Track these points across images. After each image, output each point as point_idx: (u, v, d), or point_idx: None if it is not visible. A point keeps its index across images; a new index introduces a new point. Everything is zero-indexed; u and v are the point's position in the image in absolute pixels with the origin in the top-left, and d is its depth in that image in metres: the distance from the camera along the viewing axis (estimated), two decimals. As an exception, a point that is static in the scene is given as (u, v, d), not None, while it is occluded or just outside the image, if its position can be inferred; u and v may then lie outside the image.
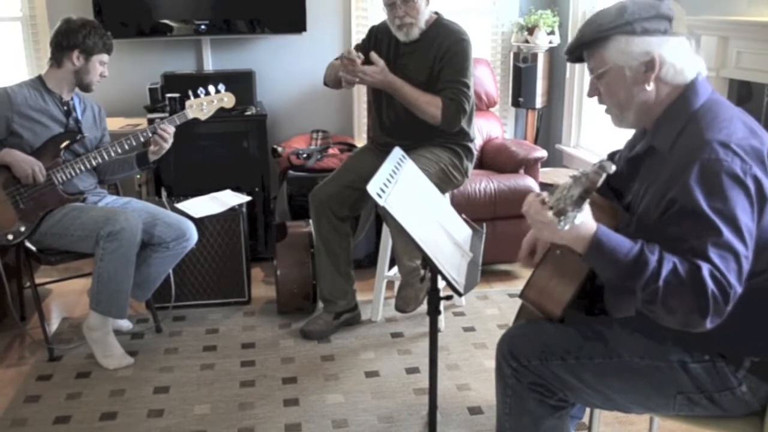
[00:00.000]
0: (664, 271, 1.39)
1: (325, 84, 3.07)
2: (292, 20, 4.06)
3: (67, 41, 2.79)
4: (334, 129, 4.40)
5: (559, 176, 4.13)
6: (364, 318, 3.20)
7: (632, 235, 1.49)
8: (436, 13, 2.98)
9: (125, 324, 3.13)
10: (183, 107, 2.98)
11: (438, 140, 2.95)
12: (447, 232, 2.02)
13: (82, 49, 2.80)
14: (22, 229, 2.76)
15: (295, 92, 4.35)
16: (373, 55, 2.81)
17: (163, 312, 3.22)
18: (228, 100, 3.02)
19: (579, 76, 4.41)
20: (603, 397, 1.67)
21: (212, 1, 4.01)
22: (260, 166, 3.88)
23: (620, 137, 1.90)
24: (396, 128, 3.00)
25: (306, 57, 4.25)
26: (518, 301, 1.82)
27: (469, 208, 3.34)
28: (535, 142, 4.50)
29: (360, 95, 4.36)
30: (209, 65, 4.20)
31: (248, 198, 3.44)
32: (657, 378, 1.60)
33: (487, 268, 3.70)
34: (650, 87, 1.57)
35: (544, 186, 3.85)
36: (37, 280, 2.99)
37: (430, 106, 2.83)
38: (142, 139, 2.88)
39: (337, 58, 2.99)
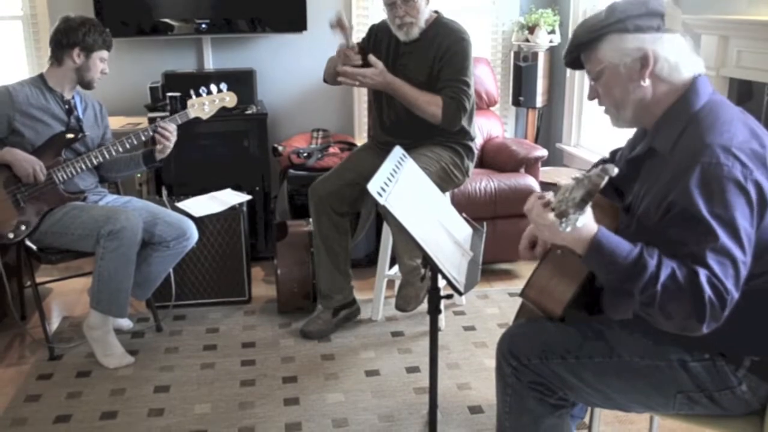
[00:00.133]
0: (663, 276, 1.40)
1: (325, 81, 3.06)
2: (293, 19, 4.06)
3: (67, 39, 2.79)
4: (334, 128, 4.40)
5: (560, 175, 4.13)
6: (364, 317, 3.20)
7: (632, 236, 1.49)
8: (436, 12, 2.98)
9: (125, 323, 3.13)
10: (184, 106, 2.98)
11: (438, 139, 2.95)
12: (447, 231, 2.02)
13: (83, 47, 2.80)
14: (23, 227, 2.76)
15: (296, 91, 4.35)
16: (372, 58, 2.81)
17: (163, 311, 3.22)
18: (230, 99, 3.02)
19: (579, 75, 4.41)
20: (603, 396, 1.67)
21: (213, 0, 4.02)
22: (261, 165, 3.88)
23: (621, 136, 1.90)
24: (396, 127, 3.00)
25: (306, 56, 4.25)
26: (518, 300, 1.83)
27: (469, 207, 3.34)
28: (536, 141, 4.50)
29: (360, 94, 4.36)
30: (210, 64, 4.20)
31: (248, 197, 3.44)
32: (657, 377, 1.60)
33: (488, 267, 3.71)
34: (646, 83, 1.58)
35: (544, 185, 3.84)
36: (38, 279, 2.99)
37: (430, 105, 2.83)
38: (143, 138, 2.88)
39: (337, 52, 2.97)
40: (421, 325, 3.15)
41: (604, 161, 1.96)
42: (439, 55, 2.87)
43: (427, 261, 1.83)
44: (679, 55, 1.57)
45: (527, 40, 4.34)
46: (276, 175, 4.03)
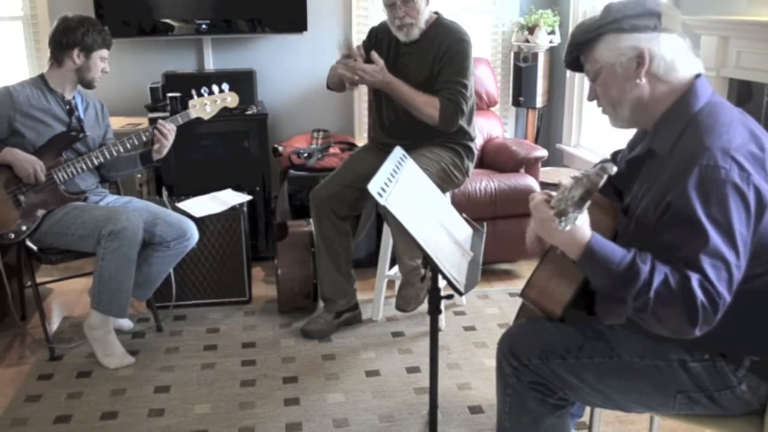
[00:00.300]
0: (656, 282, 1.41)
1: (329, 88, 3.07)
2: (293, 20, 4.06)
3: (66, 40, 2.79)
4: (334, 128, 4.40)
5: (560, 176, 4.13)
6: (364, 317, 3.20)
7: (631, 236, 1.49)
8: (436, 13, 2.98)
9: (126, 323, 3.13)
10: (184, 106, 2.98)
11: (438, 140, 2.95)
12: (448, 232, 2.02)
13: (82, 47, 2.80)
14: (23, 228, 2.76)
15: (296, 92, 4.35)
16: (374, 54, 2.82)
17: (163, 311, 3.22)
18: (232, 99, 3.02)
19: (579, 75, 4.41)
20: (603, 396, 1.67)
21: (213, 0, 4.02)
22: (261, 166, 3.88)
23: (621, 137, 1.90)
24: (396, 128, 3.01)
25: (306, 56, 4.25)
26: (519, 301, 1.83)
27: (469, 207, 3.34)
28: (536, 141, 4.50)
29: (361, 95, 4.36)
30: (210, 65, 4.20)
31: (249, 197, 3.44)
32: (657, 377, 1.61)
33: (488, 267, 3.71)
34: (642, 81, 1.58)
35: (544, 185, 3.85)
36: (38, 280, 2.99)
37: (427, 106, 2.83)
38: (144, 139, 2.89)
39: (339, 61, 2.99)
40: (421, 325, 3.15)
41: (604, 162, 1.96)
42: (439, 55, 2.87)
43: (428, 261, 1.83)
44: (676, 54, 1.58)
45: (527, 41, 4.34)
46: (276, 176, 4.03)
